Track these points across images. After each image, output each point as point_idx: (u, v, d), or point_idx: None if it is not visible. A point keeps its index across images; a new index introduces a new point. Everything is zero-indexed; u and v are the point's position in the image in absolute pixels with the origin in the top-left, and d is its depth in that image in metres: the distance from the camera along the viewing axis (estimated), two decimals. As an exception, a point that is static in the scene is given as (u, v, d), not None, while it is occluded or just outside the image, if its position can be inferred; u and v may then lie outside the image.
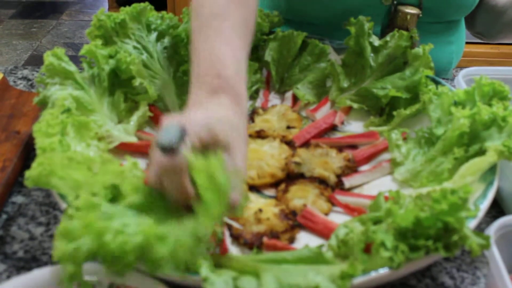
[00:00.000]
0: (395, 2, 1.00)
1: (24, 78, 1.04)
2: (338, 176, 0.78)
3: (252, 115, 0.91)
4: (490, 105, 0.74)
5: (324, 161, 0.80)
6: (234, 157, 0.59)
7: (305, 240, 0.69)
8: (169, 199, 0.57)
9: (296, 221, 0.70)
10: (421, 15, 0.99)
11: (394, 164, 0.79)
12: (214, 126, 0.58)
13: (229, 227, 0.69)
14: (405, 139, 0.82)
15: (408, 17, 0.99)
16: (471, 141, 0.73)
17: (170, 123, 0.56)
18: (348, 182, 0.78)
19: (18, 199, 0.77)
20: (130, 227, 0.50)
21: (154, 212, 0.56)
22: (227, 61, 0.67)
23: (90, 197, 0.53)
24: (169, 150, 0.54)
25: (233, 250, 0.67)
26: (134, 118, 0.83)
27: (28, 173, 0.59)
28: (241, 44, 0.70)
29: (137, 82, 0.83)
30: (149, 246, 0.49)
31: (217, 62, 0.66)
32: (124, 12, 0.89)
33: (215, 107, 0.62)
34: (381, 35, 1.00)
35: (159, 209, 0.56)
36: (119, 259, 0.49)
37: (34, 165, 0.59)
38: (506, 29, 1.13)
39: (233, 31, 0.70)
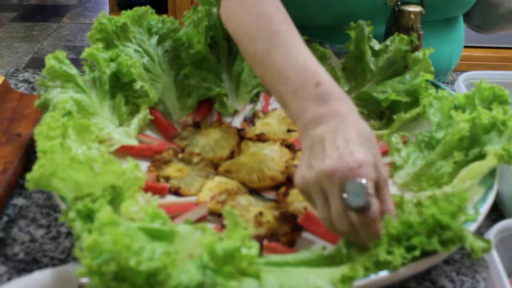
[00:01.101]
0: (399, 2, 1.00)
1: (25, 81, 1.05)
2: (338, 180, 0.78)
3: (253, 118, 0.91)
4: (490, 109, 0.74)
5: (324, 165, 0.80)
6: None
7: (305, 243, 0.69)
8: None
9: (296, 224, 0.71)
10: (424, 12, 1.00)
11: (394, 167, 0.80)
12: (376, 162, 0.60)
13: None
14: (405, 143, 0.82)
15: (412, 15, 0.99)
16: (471, 145, 0.73)
17: (353, 181, 0.57)
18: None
19: (19, 201, 0.77)
20: (145, 251, 0.50)
21: (165, 242, 0.55)
22: (315, 68, 0.68)
23: (112, 214, 0.53)
24: (364, 209, 0.56)
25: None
26: (135, 121, 0.84)
27: (29, 176, 0.59)
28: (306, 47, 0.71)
29: (138, 85, 0.84)
30: (164, 273, 0.49)
31: (308, 71, 0.67)
32: (125, 16, 0.89)
33: (346, 125, 0.61)
34: (386, 35, 1.00)
35: (170, 242, 0.56)
36: (128, 278, 0.49)
37: (35, 167, 0.59)
38: (503, 21, 1.13)
39: (296, 37, 0.72)
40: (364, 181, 0.57)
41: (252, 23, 0.74)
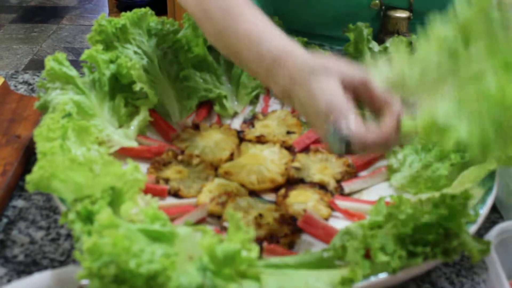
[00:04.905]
0: (383, 7, 1.00)
1: (25, 82, 1.05)
2: (338, 181, 0.78)
3: (252, 120, 0.91)
4: None
5: (323, 167, 0.80)
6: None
7: (305, 245, 0.69)
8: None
9: (296, 226, 0.71)
10: (411, 18, 1.00)
11: (391, 170, 0.79)
12: (344, 79, 0.60)
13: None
14: (401, 145, 0.82)
15: (397, 21, 0.99)
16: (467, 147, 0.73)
17: (329, 132, 0.58)
18: (347, 187, 0.78)
19: (19, 203, 0.77)
20: (145, 253, 0.50)
21: (165, 244, 0.55)
22: (258, 35, 0.67)
23: (112, 216, 0.53)
24: (347, 149, 0.58)
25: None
26: (135, 123, 0.84)
27: (29, 177, 0.59)
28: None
29: (137, 87, 0.84)
30: (163, 275, 0.49)
31: (252, 43, 0.66)
32: (125, 17, 0.89)
33: (295, 87, 0.62)
34: (374, 40, 1.00)
35: (170, 243, 0.56)
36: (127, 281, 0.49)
37: (35, 169, 0.59)
38: None
39: (250, 7, 0.70)
40: (332, 128, 0.58)
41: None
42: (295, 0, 1.01)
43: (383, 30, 1.01)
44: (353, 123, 0.58)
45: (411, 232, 0.56)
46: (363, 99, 0.61)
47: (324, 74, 0.60)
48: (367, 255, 0.58)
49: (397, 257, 0.56)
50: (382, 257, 0.56)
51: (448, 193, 0.58)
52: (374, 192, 0.78)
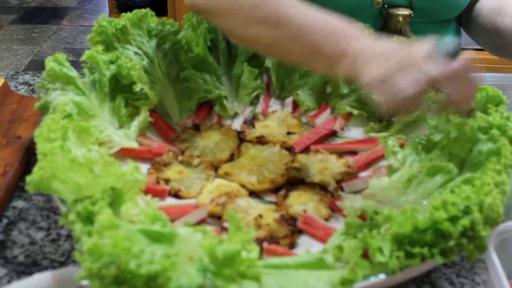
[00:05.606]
0: (385, 5, 1.01)
1: (25, 83, 1.05)
2: (338, 182, 0.79)
3: (253, 120, 0.91)
4: (487, 112, 0.74)
5: (324, 167, 0.80)
6: None
7: (305, 246, 0.69)
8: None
9: (296, 226, 0.71)
10: (412, 15, 1.00)
11: (390, 170, 0.79)
12: None
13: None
14: (402, 145, 0.82)
15: (400, 18, 0.99)
16: None
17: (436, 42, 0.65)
18: (348, 188, 0.78)
19: (19, 203, 0.77)
20: (145, 254, 0.50)
21: (165, 245, 0.55)
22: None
23: (112, 216, 0.53)
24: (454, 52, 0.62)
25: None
26: (135, 124, 0.84)
27: (29, 178, 0.59)
28: None
29: (138, 87, 0.84)
30: (164, 276, 0.49)
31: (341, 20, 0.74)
32: (125, 18, 0.89)
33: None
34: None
35: (170, 244, 0.56)
36: (128, 282, 0.49)
37: (35, 169, 0.59)
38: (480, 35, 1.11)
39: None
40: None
41: None
42: None
43: (385, 28, 1.02)
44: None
45: (409, 233, 0.56)
46: None
47: None
48: (365, 255, 0.58)
49: (394, 258, 0.56)
50: (380, 258, 0.56)
51: (450, 199, 0.58)
52: (374, 192, 0.77)
